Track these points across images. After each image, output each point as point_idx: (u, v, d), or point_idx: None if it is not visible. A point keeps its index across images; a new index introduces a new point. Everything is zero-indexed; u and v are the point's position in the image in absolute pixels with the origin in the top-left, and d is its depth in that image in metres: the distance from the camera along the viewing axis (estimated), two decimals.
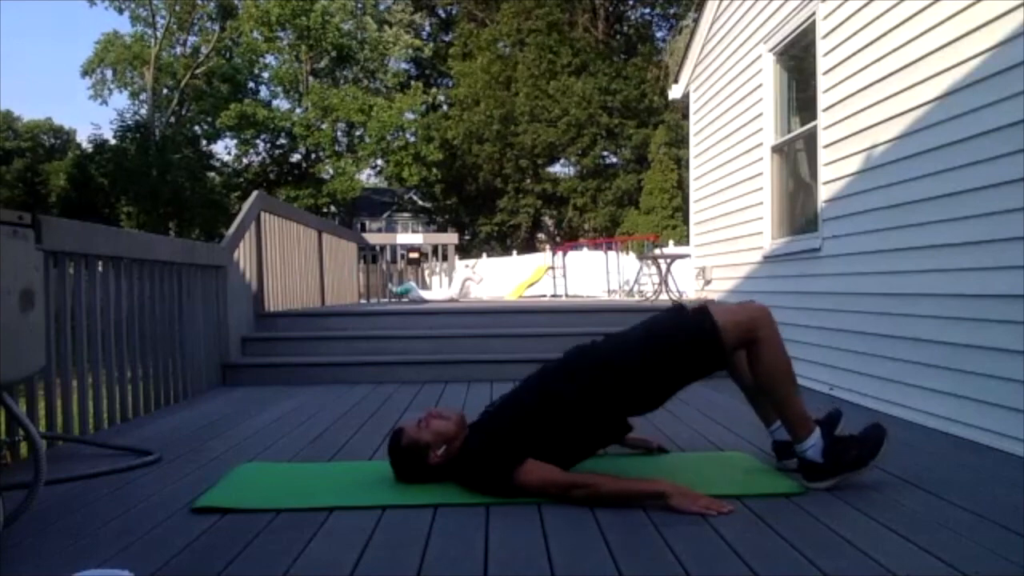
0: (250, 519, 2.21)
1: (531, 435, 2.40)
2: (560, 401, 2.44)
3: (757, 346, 2.42)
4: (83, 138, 39.26)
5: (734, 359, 2.55)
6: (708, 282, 6.97)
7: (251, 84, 31.80)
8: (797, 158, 5.46)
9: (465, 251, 26.38)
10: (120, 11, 32.56)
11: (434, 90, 31.24)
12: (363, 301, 9.86)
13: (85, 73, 34.22)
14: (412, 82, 29.25)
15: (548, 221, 30.25)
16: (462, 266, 11.74)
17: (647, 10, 31.26)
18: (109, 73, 33.92)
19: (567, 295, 11.99)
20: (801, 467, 2.51)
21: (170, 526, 2.18)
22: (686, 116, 8.23)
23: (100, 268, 3.70)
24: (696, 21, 7.41)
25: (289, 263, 6.73)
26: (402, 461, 2.54)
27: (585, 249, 14.55)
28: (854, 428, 2.60)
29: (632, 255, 13.04)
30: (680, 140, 21.63)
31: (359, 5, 29.31)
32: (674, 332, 2.47)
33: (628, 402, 2.48)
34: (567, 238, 25.58)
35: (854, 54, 4.27)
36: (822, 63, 4.68)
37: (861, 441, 2.47)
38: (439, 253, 11.64)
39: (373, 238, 12.14)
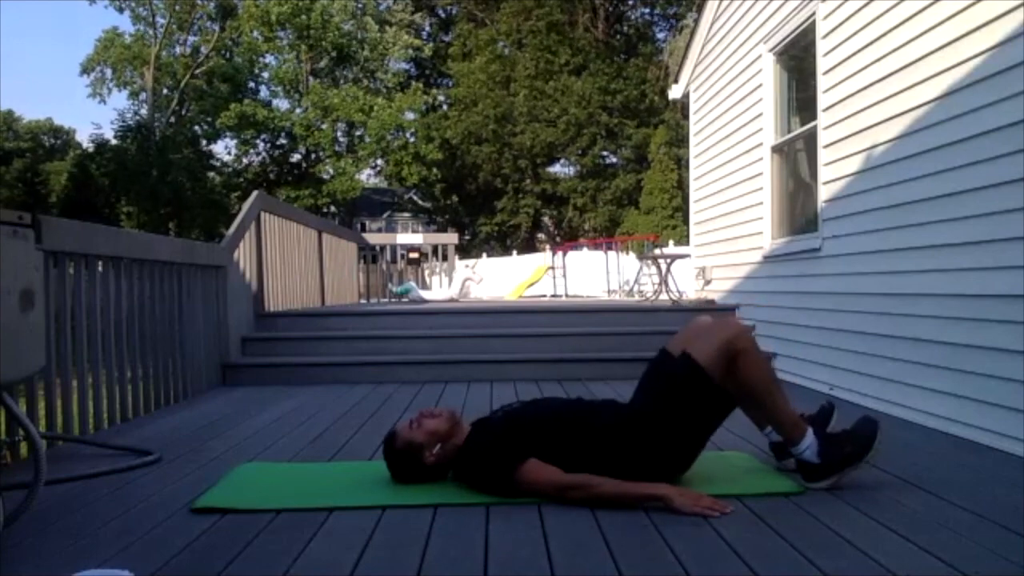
0: (250, 519, 2.21)
1: (537, 446, 2.38)
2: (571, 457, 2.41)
3: (736, 361, 2.42)
4: (83, 138, 39.34)
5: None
6: (708, 282, 6.97)
7: (251, 84, 31.79)
8: (797, 158, 5.46)
9: (465, 251, 26.38)
10: (120, 10, 32.57)
11: (434, 90, 31.23)
12: (363, 301, 9.86)
13: (84, 71, 34.24)
14: (412, 82, 29.25)
15: (548, 221, 30.25)
16: (462, 266, 11.74)
17: (647, 10, 31.28)
18: (108, 72, 33.93)
19: (567, 295, 11.99)
20: (799, 468, 2.52)
21: (170, 526, 2.18)
22: (686, 116, 8.23)
23: (100, 268, 3.70)
24: (696, 21, 7.41)
25: (289, 263, 6.73)
26: (398, 463, 2.54)
27: (585, 249, 14.55)
28: None
29: (632, 255, 13.04)
30: (680, 140, 21.63)
31: (359, 5, 29.31)
32: (667, 392, 2.45)
33: (652, 469, 2.45)
34: (567, 238, 25.58)
35: (854, 54, 4.27)
36: (822, 63, 4.68)
37: (854, 436, 2.49)
38: (439, 253, 11.64)
39: (373, 238, 12.14)
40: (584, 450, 2.39)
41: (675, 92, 7.92)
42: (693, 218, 7.60)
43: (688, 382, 2.42)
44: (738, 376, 2.43)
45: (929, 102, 3.57)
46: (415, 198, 32.90)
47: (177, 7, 31.60)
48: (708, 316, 2.68)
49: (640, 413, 2.46)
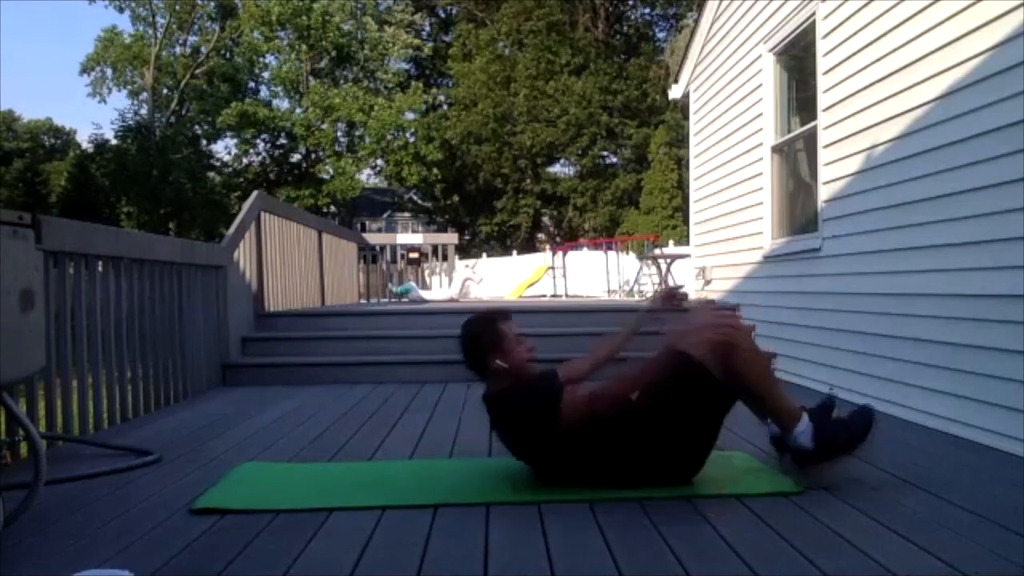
0: (250, 519, 2.21)
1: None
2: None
3: (732, 356, 2.44)
4: (83, 138, 39.24)
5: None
6: (708, 282, 6.97)
7: (251, 84, 31.79)
8: (797, 158, 5.46)
9: (465, 251, 26.37)
10: (120, 10, 32.57)
11: (434, 90, 31.23)
12: (363, 301, 9.86)
13: (84, 71, 34.21)
14: (412, 82, 29.25)
15: (548, 221, 30.25)
16: (462, 266, 11.73)
17: (647, 10, 31.28)
18: (109, 72, 33.92)
19: (567, 295, 11.99)
20: (792, 454, 2.54)
21: (170, 526, 2.18)
22: (686, 116, 8.23)
23: (100, 268, 3.70)
24: (696, 21, 7.40)
25: (289, 263, 6.72)
26: (472, 338, 2.63)
27: (585, 249, 14.56)
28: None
29: (632, 255, 13.04)
30: (680, 140, 21.63)
31: (359, 5, 29.30)
32: (669, 392, 2.49)
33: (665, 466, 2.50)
34: (567, 238, 25.57)
35: (854, 54, 4.27)
36: (822, 63, 4.68)
37: (849, 425, 2.52)
38: (439, 253, 11.64)
39: (373, 238, 12.15)
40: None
41: (675, 92, 7.91)
42: (693, 218, 7.60)
43: (690, 380, 2.43)
44: (733, 368, 2.45)
45: (929, 102, 3.57)
46: (415, 198, 32.88)
47: (177, 7, 31.60)
48: (706, 311, 2.71)
49: (644, 415, 2.48)
